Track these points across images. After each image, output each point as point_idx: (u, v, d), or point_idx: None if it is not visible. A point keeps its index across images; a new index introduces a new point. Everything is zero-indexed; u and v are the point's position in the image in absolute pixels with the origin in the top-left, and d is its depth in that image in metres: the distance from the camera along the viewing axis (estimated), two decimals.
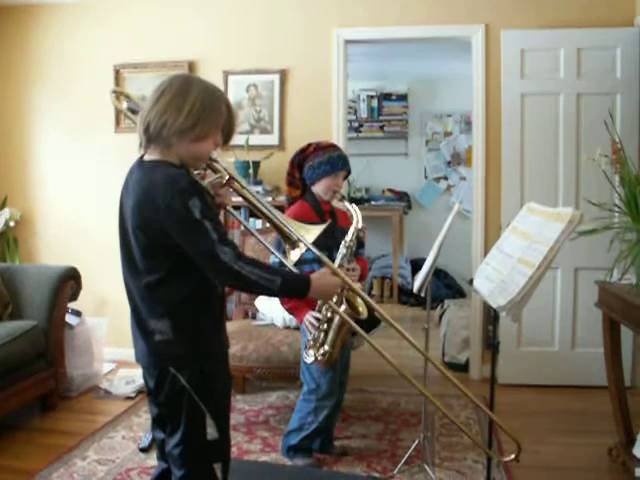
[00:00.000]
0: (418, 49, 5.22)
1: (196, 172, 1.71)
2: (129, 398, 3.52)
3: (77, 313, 3.71)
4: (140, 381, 3.43)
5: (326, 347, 2.37)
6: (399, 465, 2.66)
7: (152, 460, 2.62)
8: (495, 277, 2.12)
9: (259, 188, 3.78)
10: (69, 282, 3.45)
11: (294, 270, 1.76)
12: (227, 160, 3.65)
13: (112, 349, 3.98)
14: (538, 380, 3.70)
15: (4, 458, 2.77)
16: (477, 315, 3.92)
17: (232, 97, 4.00)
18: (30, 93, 4.34)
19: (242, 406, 3.42)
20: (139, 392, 3.53)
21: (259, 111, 4.07)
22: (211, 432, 1.67)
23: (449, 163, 6.59)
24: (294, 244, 1.75)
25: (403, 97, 6.59)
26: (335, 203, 2.66)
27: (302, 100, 4.00)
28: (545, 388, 3.65)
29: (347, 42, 3.91)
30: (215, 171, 1.75)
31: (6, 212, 4.21)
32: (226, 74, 4.06)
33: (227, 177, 1.73)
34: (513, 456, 1.96)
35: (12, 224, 4.22)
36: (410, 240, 6.64)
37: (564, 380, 3.67)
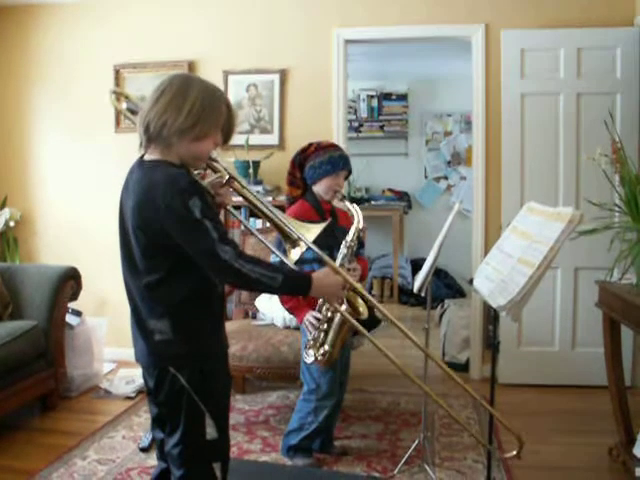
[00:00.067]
0: (418, 49, 5.22)
1: (196, 172, 1.71)
2: (129, 398, 3.52)
3: (77, 313, 3.71)
4: (140, 381, 3.43)
5: (326, 347, 2.37)
6: (399, 465, 2.66)
7: (152, 460, 2.62)
8: (495, 277, 2.12)
9: (259, 188, 3.78)
10: (69, 282, 3.45)
11: (295, 269, 1.76)
12: (227, 160, 3.65)
13: (112, 349, 3.98)
14: (538, 380, 3.70)
15: (4, 458, 2.77)
16: (477, 315, 3.92)
17: (232, 97, 4.00)
18: (30, 93, 4.34)
19: (242, 406, 3.42)
20: (139, 392, 3.53)
21: (259, 111, 4.07)
22: (210, 432, 1.66)
23: (449, 163, 6.59)
24: (294, 243, 1.75)
25: (403, 97, 6.59)
26: (336, 203, 2.66)
27: (302, 100, 4.00)
28: (545, 388, 3.65)
29: (347, 42, 3.91)
30: (215, 171, 1.75)
31: (6, 212, 4.21)
32: (226, 74, 4.06)
33: (227, 177, 1.73)
34: (515, 452, 1.95)
35: (12, 224, 4.22)
36: (410, 240, 6.64)
37: (564, 380, 3.67)
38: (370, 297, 1.87)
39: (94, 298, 4.11)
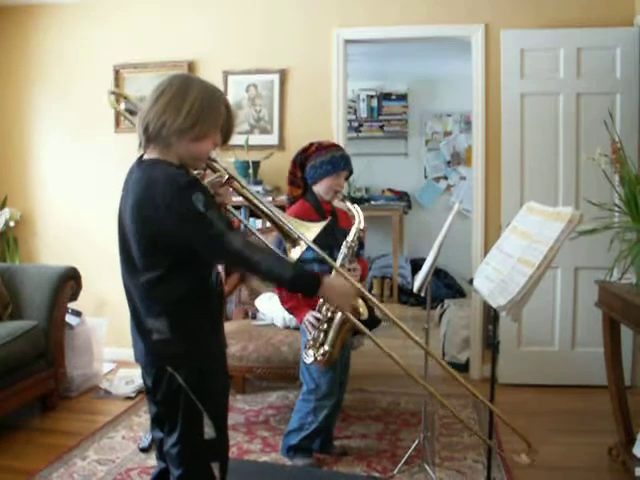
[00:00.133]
0: (418, 49, 5.22)
1: (196, 172, 1.71)
2: (129, 398, 3.52)
3: (77, 313, 3.71)
4: (140, 381, 3.42)
5: (326, 347, 2.37)
6: (399, 465, 2.66)
7: (152, 460, 2.62)
8: (495, 277, 2.12)
9: (259, 188, 3.78)
10: (69, 282, 3.45)
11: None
12: (227, 160, 3.64)
13: (112, 349, 3.97)
14: (538, 380, 3.70)
15: (4, 458, 2.77)
16: (477, 315, 3.92)
17: (232, 97, 4.00)
18: (30, 93, 4.34)
19: (242, 406, 3.42)
20: (139, 392, 3.53)
21: (259, 111, 4.07)
22: (208, 431, 1.66)
23: (449, 163, 6.59)
24: (295, 242, 1.75)
25: (403, 97, 6.59)
26: (336, 203, 2.66)
27: (302, 100, 4.00)
28: (545, 388, 3.65)
29: (347, 42, 3.91)
30: (215, 171, 1.75)
31: (6, 212, 4.21)
32: (226, 74, 4.06)
33: (226, 176, 1.73)
34: (529, 460, 1.90)
35: (12, 224, 4.22)
36: (410, 240, 6.64)
37: (564, 380, 3.67)
38: (372, 297, 1.87)
39: (94, 298, 4.11)
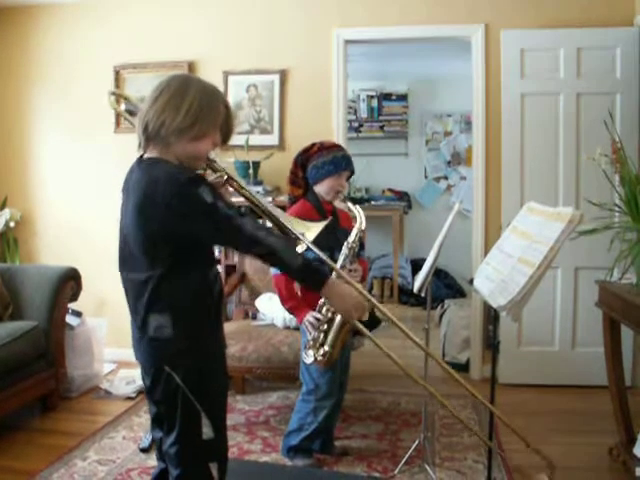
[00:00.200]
0: (418, 49, 5.22)
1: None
2: (129, 398, 3.52)
3: (77, 314, 3.71)
4: (140, 381, 3.40)
5: (326, 348, 2.36)
6: (399, 465, 2.66)
7: (152, 460, 2.62)
8: (495, 277, 2.12)
9: (259, 188, 3.78)
10: (69, 283, 3.46)
11: None
12: (227, 160, 3.64)
13: (112, 349, 3.97)
14: (538, 380, 3.70)
15: (4, 459, 2.77)
16: (477, 315, 3.92)
17: (232, 97, 4.00)
18: (30, 93, 4.34)
19: (242, 406, 3.42)
20: (139, 392, 3.53)
21: (259, 111, 4.07)
22: (207, 431, 1.66)
23: (449, 163, 6.59)
24: (295, 242, 1.75)
25: (403, 97, 6.59)
26: (337, 204, 2.66)
27: (302, 100, 4.00)
28: (545, 388, 3.65)
29: (347, 42, 3.91)
30: (214, 171, 1.75)
31: (6, 213, 4.21)
32: (226, 74, 4.06)
33: (226, 176, 1.73)
34: (545, 477, 1.91)
35: (12, 225, 4.22)
36: (410, 240, 6.64)
37: (564, 380, 3.67)
38: (371, 297, 1.87)
39: (94, 299, 4.10)
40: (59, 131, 4.32)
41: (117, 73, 4.17)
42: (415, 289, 2.68)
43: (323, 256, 1.77)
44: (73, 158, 4.31)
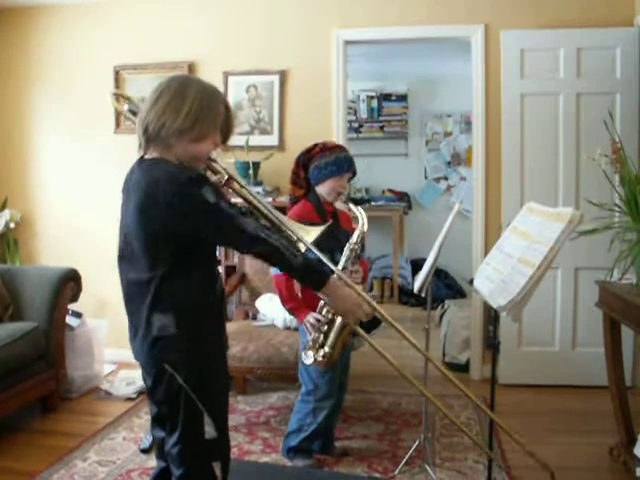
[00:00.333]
0: (418, 49, 5.21)
1: None
2: (130, 399, 3.52)
3: (77, 314, 3.71)
4: (140, 382, 3.42)
5: (326, 349, 2.36)
6: (400, 465, 2.66)
7: (153, 461, 2.60)
8: (495, 277, 2.12)
9: (259, 189, 3.78)
10: (69, 283, 3.45)
11: None
12: (227, 161, 3.64)
13: (112, 350, 3.96)
14: (539, 380, 3.70)
15: (5, 459, 2.77)
16: (477, 315, 3.92)
17: (232, 98, 4.00)
18: (30, 93, 4.34)
19: (243, 407, 3.42)
20: (140, 393, 3.53)
21: (259, 112, 4.07)
22: (209, 431, 1.67)
23: (449, 163, 6.58)
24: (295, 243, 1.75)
25: (403, 97, 6.59)
26: (339, 205, 2.66)
27: (302, 101, 4.00)
28: (545, 388, 3.65)
29: (347, 43, 3.91)
30: (214, 171, 1.75)
31: (6, 214, 4.21)
32: (226, 75, 4.06)
33: (226, 177, 1.73)
34: None
35: (12, 225, 4.22)
36: (410, 240, 6.64)
37: (565, 380, 3.67)
38: (371, 300, 1.86)
39: (94, 299, 4.10)
40: (59, 131, 4.32)
41: (117, 73, 4.17)
42: (415, 289, 2.68)
43: (323, 257, 1.77)
44: (73, 158, 4.31)
